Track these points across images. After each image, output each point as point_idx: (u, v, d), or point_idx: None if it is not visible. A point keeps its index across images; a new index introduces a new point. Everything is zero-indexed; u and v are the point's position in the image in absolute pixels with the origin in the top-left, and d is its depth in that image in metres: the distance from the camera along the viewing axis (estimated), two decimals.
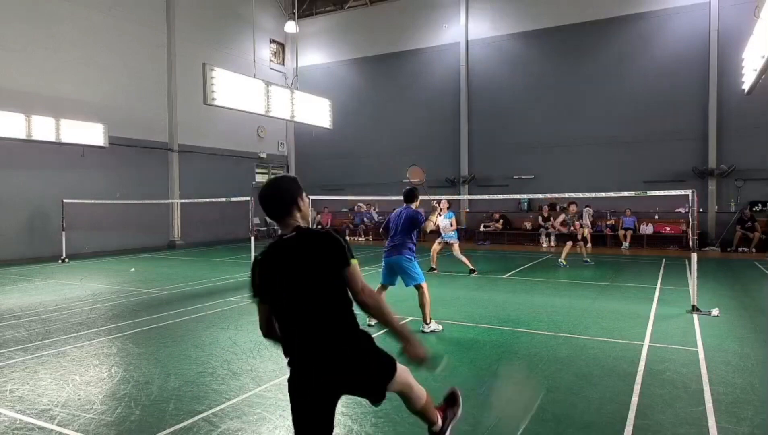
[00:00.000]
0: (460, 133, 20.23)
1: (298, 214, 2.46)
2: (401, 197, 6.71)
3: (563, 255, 12.86)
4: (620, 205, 16.93)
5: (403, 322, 6.75)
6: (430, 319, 6.35)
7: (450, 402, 3.09)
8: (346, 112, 20.31)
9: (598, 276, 11.06)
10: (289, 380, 2.47)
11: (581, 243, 13.29)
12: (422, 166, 7.56)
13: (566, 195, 11.03)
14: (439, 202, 8.01)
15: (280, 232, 2.47)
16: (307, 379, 2.39)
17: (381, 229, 6.85)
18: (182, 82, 18.85)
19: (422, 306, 6.29)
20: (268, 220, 23.34)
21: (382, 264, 6.56)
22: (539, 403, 4.08)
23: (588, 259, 13.25)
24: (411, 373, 2.68)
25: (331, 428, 2.45)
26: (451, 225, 11.50)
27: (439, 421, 2.89)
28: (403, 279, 6.36)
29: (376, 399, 2.54)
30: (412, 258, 6.34)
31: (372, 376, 2.49)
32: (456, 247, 11.50)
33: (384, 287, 6.54)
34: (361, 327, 2.48)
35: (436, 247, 11.77)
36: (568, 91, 18.40)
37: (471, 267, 11.29)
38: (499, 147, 19.54)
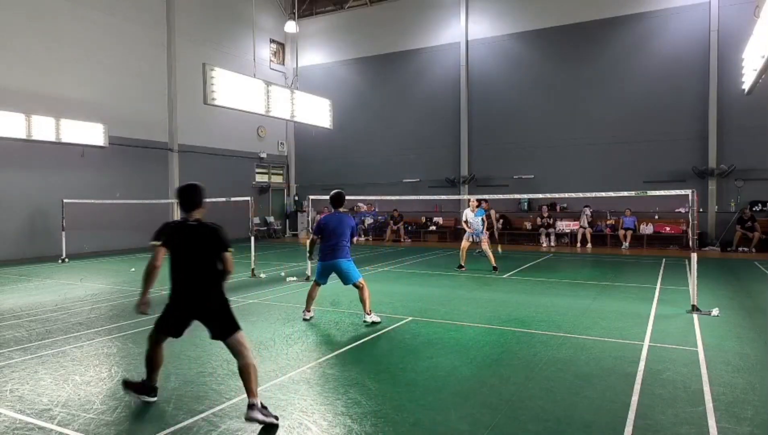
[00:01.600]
0: (460, 133, 20.22)
1: (202, 211, 4.08)
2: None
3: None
4: (620, 205, 16.93)
5: (402, 322, 6.78)
6: (370, 310, 6.78)
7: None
8: (346, 112, 20.32)
9: (598, 276, 11.06)
10: (171, 299, 3.99)
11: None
12: None
13: (566, 195, 11.05)
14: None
15: (183, 217, 4.05)
16: (183, 303, 3.98)
17: (313, 234, 7.10)
18: (182, 82, 18.85)
19: (363, 301, 6.76)
20: (268, 220, 23.52)
21: (317, 266, 6.92)
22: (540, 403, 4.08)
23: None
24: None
25: (182, 332, 4.10)
26: (483, 222, 11.67)
27: (257, 400, 3.78)
28: (342, 278, 6.80)
29: (216, 336, 3.96)
30: (349, 260, 6.81)
31: (223, 321, 3.95)
32: (485, 243, 11.59)
33: (318, 285, 7.01)
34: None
35: (464, 244, 11.75)
36: (568, 91, 18.41)
37: (494, 265, 11.38)
38: (499, 147, 19.54)
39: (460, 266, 11.71)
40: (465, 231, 11.81)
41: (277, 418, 3.77)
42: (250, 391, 3.81)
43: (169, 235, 3.97)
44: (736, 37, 14.72)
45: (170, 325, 4.03)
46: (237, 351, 3.92)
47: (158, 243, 3.89)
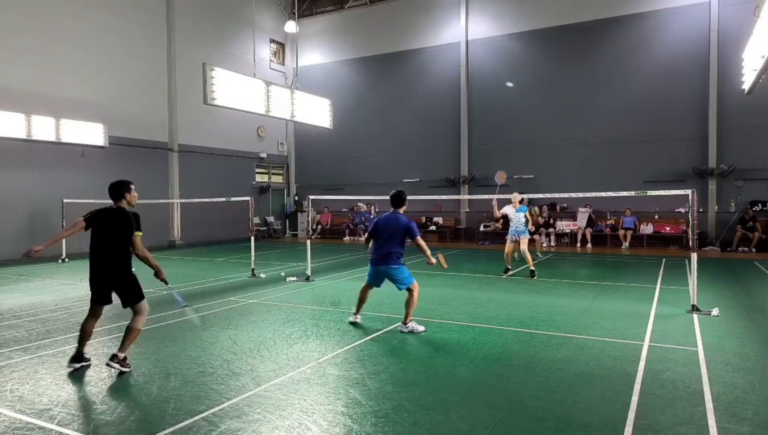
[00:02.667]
0: (460, 133, 20.22)
1: (125, 201, 5.05)
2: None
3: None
4: (620, 205, 16.93)
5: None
6: (410, 320, 6.40)
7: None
8: (346, 112, 20.32)
9: (598, 276, 11.06)
10: (89, 271, 4.90)
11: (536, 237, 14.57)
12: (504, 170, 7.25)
13: (566, 195, 11.04)
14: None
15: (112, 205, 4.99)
16: (95, 274, 4.89)
17: (366, 235, 6.74)
18: (182, 82, 18.85)
19: (407, 306, 6.40)
20: (268, 220, 23.52)
21: (369, 268, 6.68)
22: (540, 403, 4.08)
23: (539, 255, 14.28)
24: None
25: (110, 299, 4.98)
26: (527, 221, 10.79)
27: (125, 352, 4.91)
28: (396, 285, 6.52)
29: (126, 303, 4.93)
30: (400, 265, 6.45)
31: (130, 290, 4.91)
32: (525, 244, 10.66)
33: (369, 286, 6.75)
34: None
35: (508, 249, 10.95)
36: (568, 91, 18.40)
37: (532, 268, 10.55)
38: (499, 147, 19.54)
39: (507, 270, 11.00)
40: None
41: (128, 372, 4.84)
42: (124, 347, 4.88)
43: (93, 217, 4.88)
44: (736, 37, 14.71)
45: (96, 294, 4.93)
46: (134, 315, 4.94)
47: (82, 218, 4.90)
